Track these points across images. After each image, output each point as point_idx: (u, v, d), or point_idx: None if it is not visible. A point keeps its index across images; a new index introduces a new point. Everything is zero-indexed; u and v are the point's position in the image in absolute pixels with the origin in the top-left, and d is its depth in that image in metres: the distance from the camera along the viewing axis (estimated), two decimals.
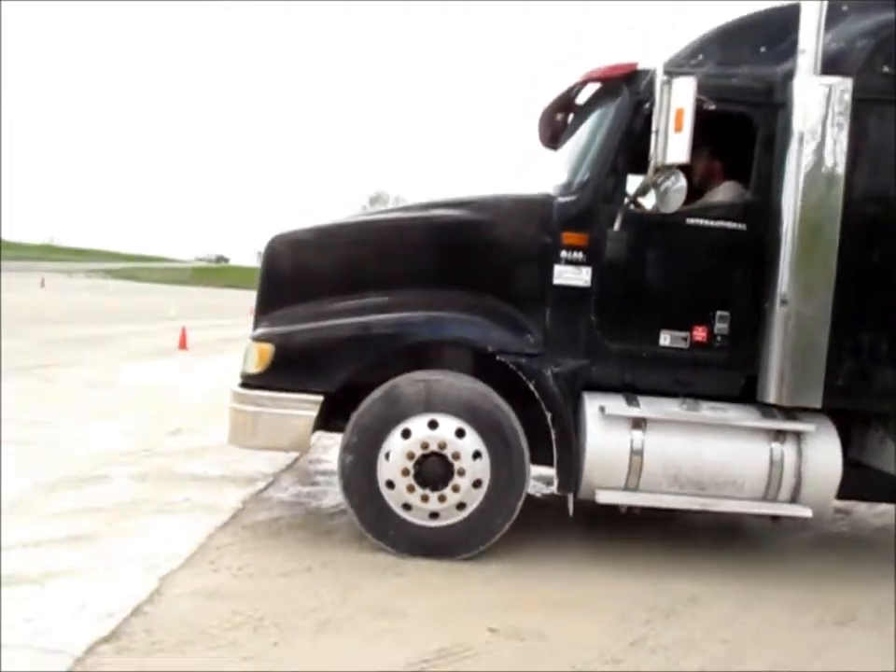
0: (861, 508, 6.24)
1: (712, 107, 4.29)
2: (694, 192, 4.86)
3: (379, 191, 75.25)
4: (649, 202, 4.63)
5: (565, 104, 5.10)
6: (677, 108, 3.83)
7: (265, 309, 4.54)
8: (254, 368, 4.25)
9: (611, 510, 4.42)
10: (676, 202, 4.01)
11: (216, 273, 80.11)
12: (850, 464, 4.65)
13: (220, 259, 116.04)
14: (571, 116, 5.21)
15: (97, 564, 3.68)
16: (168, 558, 3.81)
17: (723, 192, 4.66)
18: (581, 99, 5.02)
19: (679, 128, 3.82)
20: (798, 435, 4.31)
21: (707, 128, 4.46)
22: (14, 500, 4.55)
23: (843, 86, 4.13)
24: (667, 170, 3.95)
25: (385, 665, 2.94)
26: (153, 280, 68.92)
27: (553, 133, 5.50)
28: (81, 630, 3.00)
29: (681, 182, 3.96)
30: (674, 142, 3.84)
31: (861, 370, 4.32)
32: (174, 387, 9.52)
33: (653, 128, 3.93)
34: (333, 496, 5.12)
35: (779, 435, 4.30)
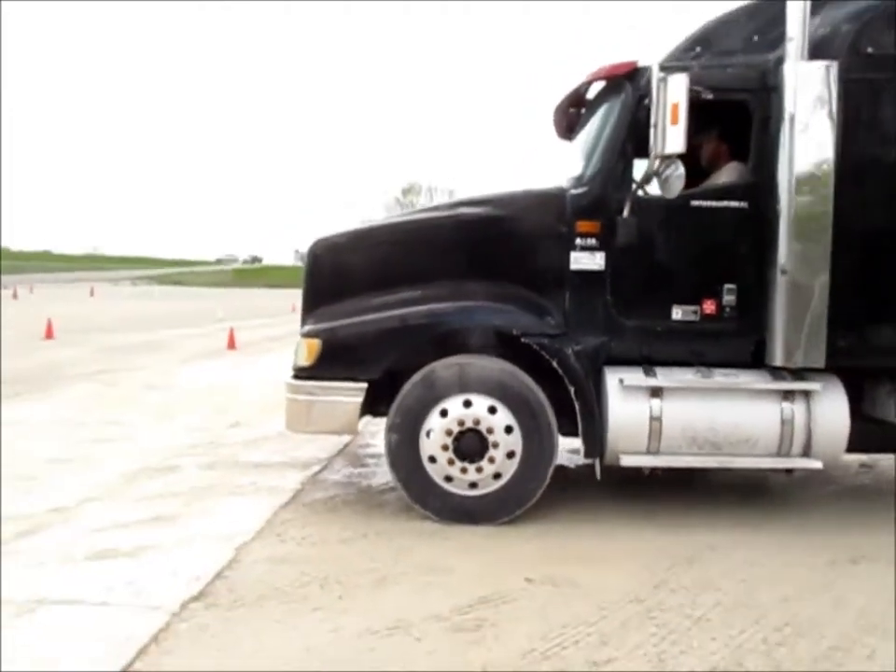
0: (886, 461, 6.51)
1: (710, 96, 4.63)
2: (704, 173, 5.22)
3: (411, 182, 75.72)
4: (654, 188, 4.97)
5: (575, 100, 5.46)
6: (672, 103, 4.19)
7: (311, 307, 5.01)
8: (304, 361, 4.72)
9: (636, 472, 4.82)
10: (676, 188, 4.36)
11: (256, 274, 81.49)
12: (863, 418, 4.99)
13: (255, 259, 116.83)
14: (583, 111, 5.56)
15: (180, 539, 4.20)
16: (241, 532, 4.32)
17: (727, 173, 4.98)
18: (590, 95, 5.38)
19: (674, 121, 4.17)
20: (807, 394, 4.64)
21: (710, 113, 4.82)
22: (103, 489, 5.12)
23: (829, 69, 4.42)
24: (667, 159, 4.29)
25: (435, 611, 3.39)
26: (196, 284, 70.47)
27: (569, 126, 5.86)
28: (174, 591, 3.51)
29: (680, 170, 4.31)
30: (671, 134, 4.19)
31: (861, 330, 4.64)
32: (228, 385, 10.10)
33: (652, 121, 4.28)
34: (382, 475, 5.57)
35: (789, 395, 4.63)
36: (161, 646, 3.03)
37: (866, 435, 5.01)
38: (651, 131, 4.31)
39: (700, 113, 4.68)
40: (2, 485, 5.06)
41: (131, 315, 25.61)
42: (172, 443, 6.58)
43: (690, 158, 4.64)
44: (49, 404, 8.49)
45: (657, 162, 4.35)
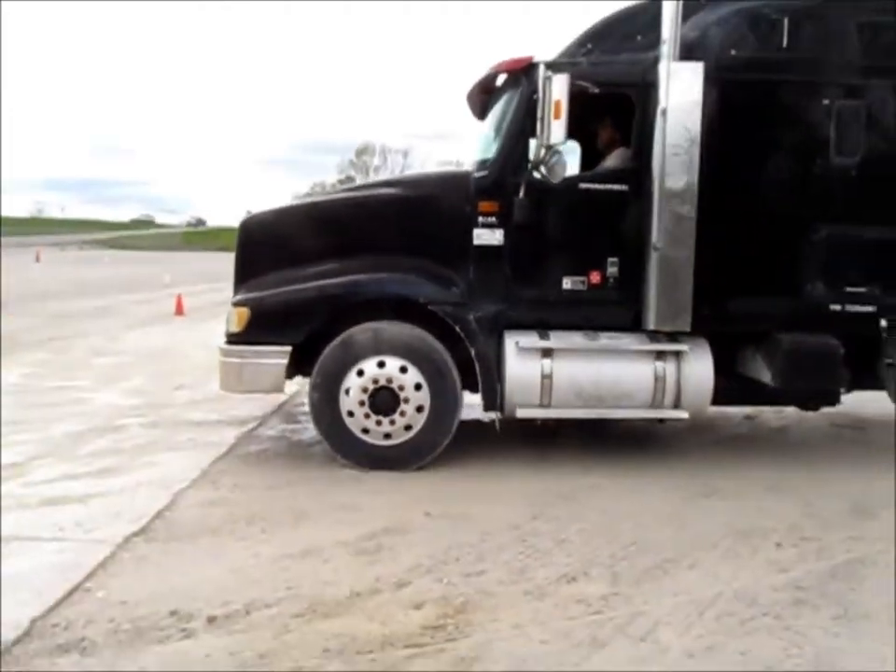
0: (768, 412, 7.35)
1: (597, 90, 5.24)
2: (601, 156, 5.86)
3: (366, 142, 75.18)
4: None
5: (485, 87, 6.01)
6: (555, 100, 4.79)
7: (242, 279, 5.55)
8: (235, 327, 5.28)
9: (531, 425, 5.52)
10: (559, 174, 4.99)
11: (205, 237, 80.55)
12: (735, 376, 5.75)
13: (199, 221, 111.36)
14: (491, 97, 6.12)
15: (124, 487, 4.76)
16: (179, 481, 4.89)
17: (614, 158, 5.63)
18: (498, 83, 5.93)
19: (557, 116, 4.78)
20: (677, 354, 5.36)
21: (603, 104, 5.44)
22: (52, 447, 5.63)
23: (697, 68, 5.06)
24: (551, 149, 4.90)
25: (342, 539, 4.02)
26: (145, 248, 69.40)
27: (482, 110, 6.42)
28: (118, 529, 4.07)
29: (563, 158, 4.94)
30: (554, 127, 4.80)
31: (721, 300, 5.36)
32: (173, 351, 10.55)
33: (538, 115, 4.88)
34: (312, 431, 6.18)
35: (661, 355, 5.36)
36: (107, 571, 3.61)
37: (737, 390, 5.80)
38: (538, 123, 4.91)
39: (593, 103, 5.32)
40: None
41: (80, 281, 25.54)
42: (118, 405, 7.08)
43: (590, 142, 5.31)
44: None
45: (542, 151, 4.96)
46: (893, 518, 4.48)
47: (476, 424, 6.42)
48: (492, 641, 3.04)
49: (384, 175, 57.61)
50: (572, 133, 5.01)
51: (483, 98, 6.24)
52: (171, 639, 3.00)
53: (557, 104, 4.79)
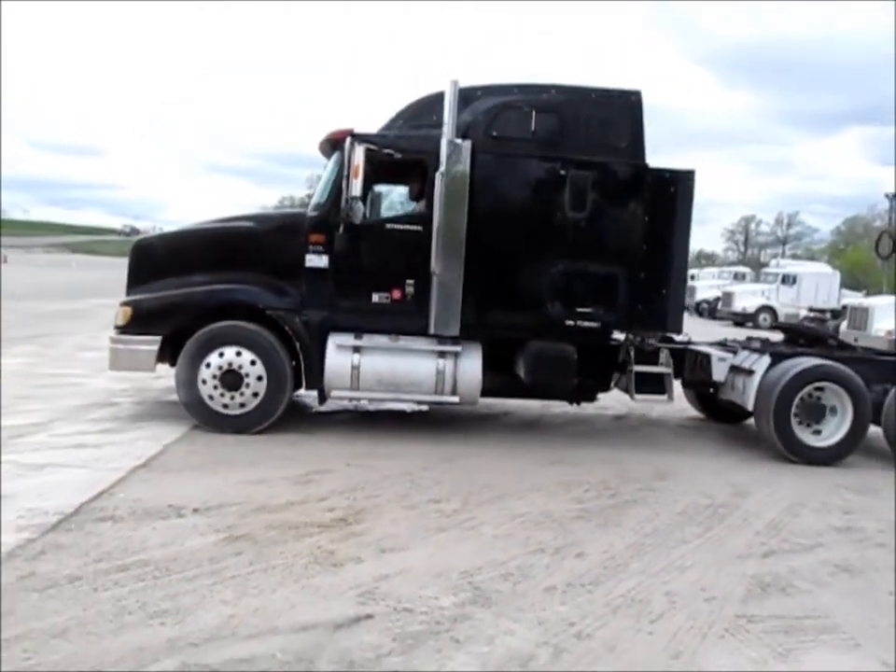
0: (633, 416, 9.31)
1: (399, 156, 7.21)
2: (415, 202, 7.78)
3: None
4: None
5: (324, 146, 7.84)
6: (355, 164, 6.77)
7: (131, 285, 7.46)
8: (121, 321, 7.18)
9: (452, 416, 7.36)
10: (358, 217, 7.02)
11: None
12: (509, 374, 7.58)
13: (133, 231, 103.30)
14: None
15: (126, 440, 6.47)
16: (167, 437, 6.62)
17: (419, 206, 7.53)
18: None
19: (356, 175, 6.79)
20: (455, 354, 7.22)
21: (409, 165, 7.41)
22: (64, 413, 7.30)
23: (465, 145, 7.03)
24: (353, 199, 6.87)
25: (284, 475, 5.78)
26: (110, 253, 69.99)
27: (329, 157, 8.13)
28: (126, 463, 5.76)
29: (360, 206, 7.00)
30: (354, 183, 6.79)
31: (481, 313, 7.25)
32: None
33: (345, 173, 6.86)
34: None
35: (443, 354, 7.23)
36: (123, 484, 5.32)
37: (510, 384, 7.68)
38: (344, 181, 6.89)
39: (401, 166, 7.34)
40: None
41: (51, 285, 26.78)
42: (109, 388, 8.75)
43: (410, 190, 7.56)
44: None
45: (346, 200, 6.90)
46: (681, 483, 6.42)
47: (401, 413, 8.27)
48: (374, 527, 4.83)
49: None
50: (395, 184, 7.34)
51: (327, 152, 7.98)
52: (170, 518, 4.74)
53: (356, 167, 6.78)
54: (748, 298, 34.18)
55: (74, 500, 4.87)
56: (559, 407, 9.15)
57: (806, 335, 9.54)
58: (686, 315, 28.56)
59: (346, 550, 4.42)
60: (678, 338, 8.25)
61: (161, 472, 5.71)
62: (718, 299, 36.46)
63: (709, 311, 37.30)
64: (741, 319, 32.70)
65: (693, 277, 49.34)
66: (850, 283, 42.91)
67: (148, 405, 8.01)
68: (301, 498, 5.30)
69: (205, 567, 4.03)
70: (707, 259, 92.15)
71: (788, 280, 34.44)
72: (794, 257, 73.86)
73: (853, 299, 24.14)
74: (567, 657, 3.38)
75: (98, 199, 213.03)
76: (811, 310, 30.87)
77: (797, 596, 4.22)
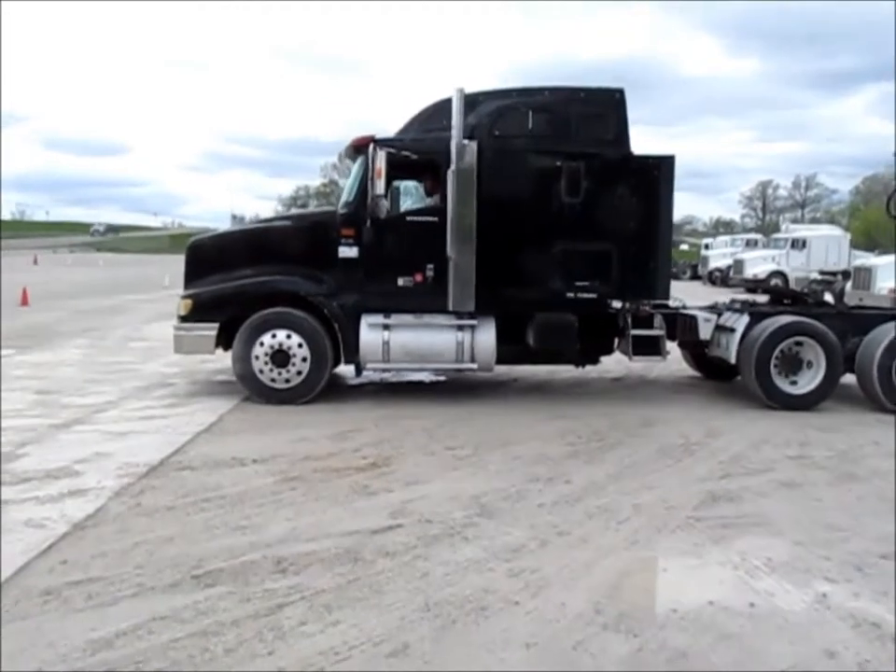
0: (631, 376, 10.31)
1: (415, 157, 8.23)
2: (430, 196, 8.79)
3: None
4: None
5: (350, 151, 8.91)
6: (377, 167, 7.82)
7: (189, 280, 8.56)
8: (182, 312, 8.29)
9: (467, 384, 8.43)
10: (383, 212, 8.06)
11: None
12: (521, 343, 8.60)
13: (110, 228, 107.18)
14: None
15: (188, 412, 7.60)
16: (223, 408, 7.76)
17: (433, 199, 8.55)
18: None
19: (378, 176, 7.85)
20: (472, 327, 8.29)
21: (424, 165, 8.41)
22: (129, 393, 8.46)
23: (472, 145, 8.03)
24: (378, 196, 7.91)
25: (323, 433, 6.87)
26: (135, 250, 71.81)
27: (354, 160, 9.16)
28: (191, 428, 6.89)
29: (384, 203, 8.03)
30: (377, 184, 7.84)
31: (492, 291, 8.24)
32: None
33: (369, 175, 7.90)
34: None
35: (461, 328, 8.29)
36: (192, 444, 6.44)
37: (522, 352, 8.70)
38: (369, 182, 7.93)
39: (417, 165, 8.37)
40: (66, 391, 8.37)
41: (84, 283, 28.15)
42: (163, 371, 9.92)
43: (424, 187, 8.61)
44: (58, 353, 11.60)
45: (371, 198, 7.95)
46: (663, 429, 7.44)
47: (421, 383, 9.35)
48: (399, 468, 5.92)
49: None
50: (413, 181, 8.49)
51: (352, 156, 9.08)
52: (235, 467, 5.85)
53: (378, 169, 7.84)
54: (758, 264, 34.75)
55: (156, 456, 6.00)
56: (564, 373, 10.20)
57: (787, 295, 10.46)
58: (699, 284, 29.89)
59: (378, 484, 5.51)
60: (672, 304, 9.23)
61: (221, 435, 6.84)
62: (730, 267, 37.14)
63: (721, 279, 37.95)
64: (753, 286, 33.27)
65: (706, 247, 50.14)
66: (867, 243, 43.29)
67: (201, 384, 9.15)
68: (338, 450, 6.39)
69: (269, 498, 5.14)
70: (726, 227, 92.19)
71: (797, 245, 34.93)
72: (814, 220, 73.88)
73: (861, 260, 24.79)
74: (551, 548, 4.43)
75: (117, 196, 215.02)
76: (822, 273, 31.54)
77: (741, 504, 5.25)
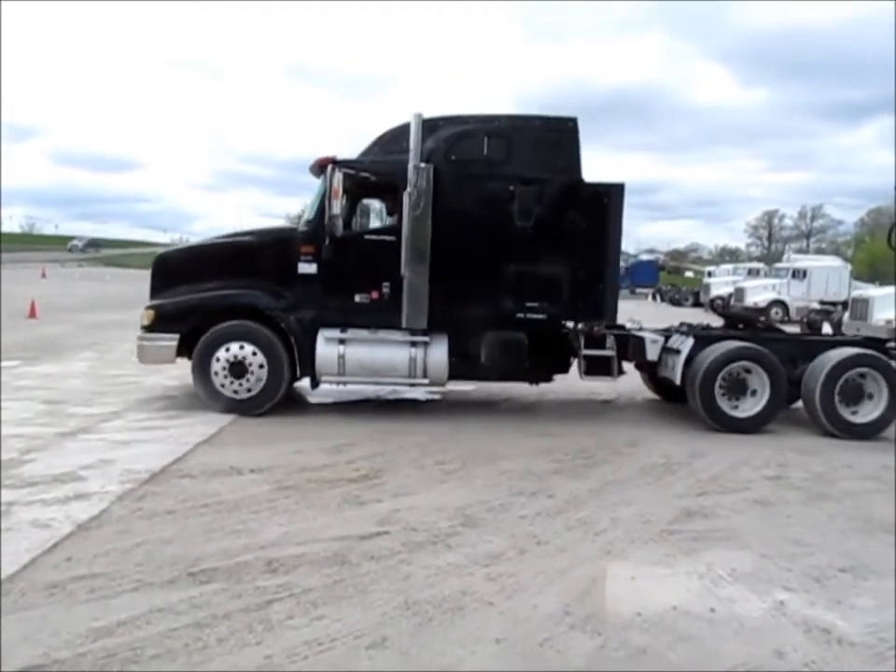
0: (623, 399, 10.56)
1: (374, 178, 8.60)
2: (391, 216, 9.09)
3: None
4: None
5: (314, 169, 9.14)
6: (334, 188, 8.17)
7: (155, 291, 8.91)
8: (146, 322, 8.60)
9: (459, 403, 8.70)
10: (339, 231, 8.32)
11: None
12: (474, 359, 8.82)
13: (91, 243, 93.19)
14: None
15: (195, 422, 7.87)
16: (221, 422, 8.01)
17: (392, 219, 8.87)
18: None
19: (335, 197, 8.19)
20: (424, 343, 8.59)
21: (383, 186, 8.75)
22: (133, 404, 8.75)
23: (428, 168, 8.35)
24: (334, 216, 8.24)
25: (318, 446, 7.13)
26: (139, 266, 72.18)
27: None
28: (193, 439, 7.16)
29: (340, 222, 8.30)
30: (333, 203, 8.18)
31: (443, 309, 8.54)
32: None
33: (327, 195, 8.22)
34: (317, 394, 9.30)
35: (414, 343, 8.59)
36: (193, 454, 6.71)
37: (475, 368, 8.91)
38: (326, 201, 8.27)
39: (378, 186, 8.75)
40: (72, 402, 8.65)
41: (92, 297, 28.53)
42: (165, 384, 10.20)
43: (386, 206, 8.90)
44: (66, 365, 11.90)
45: (328, 217, 8.26)
46: (647, 449, 7.69)
47: (415, 401, 9.62)
48: (390, 481, 6.17)
49: None
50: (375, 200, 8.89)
51: (317, 174, 9.29)
52: (232, 475, 6.12)
53: (335, 190, 8.20)
54: (759, 293, 35.05)
55: (157, 464, 6.27)
56: (552, 393, 10.46)
57: (741, 320, 10.72)
58: (701, 311, 30.16)
59: (369, 494, 5.76)
60: (629, 325, 9.56)
61: (220, 446, 7.11)
62: (731, 295, 37.45)
63: (723, 307, 38.25)
64: (753, 315, 33.62)
65: (709, 274, 50.51)
66: (871, 275, 43.57)
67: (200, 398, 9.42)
68: (333, 462, 6.65)
69: (264, 505, 5.40)
70: (731, 256, 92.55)
71: (798, 274, 35.19)
72: (819, 250, 74.17)
73: (859, 291, 25.07)
74: (529, 556, 4.68)
75: (127, 212, 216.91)
76: (821, 303, 31.85)
77: (714, 520, 5.49)
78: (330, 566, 4.37)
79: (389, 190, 8.76)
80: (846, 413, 8.67)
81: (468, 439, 7.80)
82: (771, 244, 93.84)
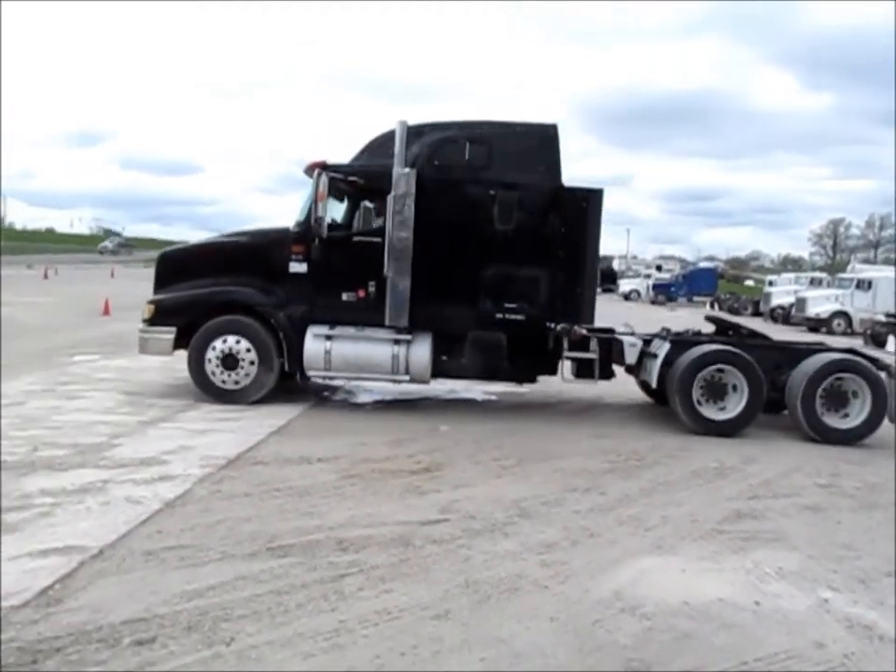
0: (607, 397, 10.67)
1: (363, 181, 8.93)
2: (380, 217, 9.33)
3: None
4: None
5: (310, 171, 9.36)
6: (320, 191, 8.49)
7: (157, 288, 9.38)
8: (146, 316, 9.09)
9: (517, 403, 8.99)
10: (324, 233, 8.65)
11: None
12: (458, 358, 9.10)
13: (124, 244, 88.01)
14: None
15: (264, 414, 8.33)
16: (291, 413, 8.45)
17: (379, 221, 9.13)
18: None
19: (321, 199, 8.50)
20: (407, 342, 8.84)
21: (371, 189, 9.06)
22: (204, 399, 9.26)
23: (411, 173, 8.60)
24: (320, 218, 8.55)
25: (380, 440, 7.50)
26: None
27: None
28: (264, 430, 7.61)
29: (325, 225, 8.61)
30: (319, 206, 8.50)
31: (424, 309, 8.78)
32: None
33: (314, 198, 8.54)
34: (362, 395, 9.71)
35: (397, 341, 8.86)
36: (262, 445, 7.15)
37: (460, 367, 9.19)
38: (312, 204, 8.60)
39: (366, 189, 9.07)
40: (149, 394, 9.23)
41: (110, 296, 29.59)
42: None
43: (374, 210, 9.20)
44: (140, 360, 12.46)
45: (314, 219, 8.59)
46: (700, 453, 7.84)
47: (473, 400, 9.94)
48: (449, 474, 6.49)
49: None
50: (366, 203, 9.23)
51: (310, 176, 9.60)
52: (302, 464, 6.52)
53: (321, 193, 8.53)
54: (821, 303, 34.33)
55: (233, 451, 6.73)
56: (610, 397, 10.64)
57: (728, 326, 10.70)
58: (760, 321, 29.75)
59: (429, 485, 6.10)
60: (621, 329, 9.75)
61: (290, 437, 7.54)
62: (792, 305, 36.71)
63: (784, 316, 37.50)
64: (814, 325, 32.90)
65: (770, 283, 49.52)
66: None
67: (270, 392, 9.91)
68: (394, 455, 7.02)
69: (332, 491, 5.78)
70: (794, 265, 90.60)
71: (863, 285, 34.38)
72: (887, 261, 72.09)
73: None
74: (581, 546, 4.94)
75: (190, 215, 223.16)
76: (887, 315, 31.01)
77: (763, 522, 5.65)
78: (396, 546, 4.71)
79: (377, 194, 9.05)
80: (828, 418, 8.74)
81: (523, 437, 8.08)
82: (836, 253, 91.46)
